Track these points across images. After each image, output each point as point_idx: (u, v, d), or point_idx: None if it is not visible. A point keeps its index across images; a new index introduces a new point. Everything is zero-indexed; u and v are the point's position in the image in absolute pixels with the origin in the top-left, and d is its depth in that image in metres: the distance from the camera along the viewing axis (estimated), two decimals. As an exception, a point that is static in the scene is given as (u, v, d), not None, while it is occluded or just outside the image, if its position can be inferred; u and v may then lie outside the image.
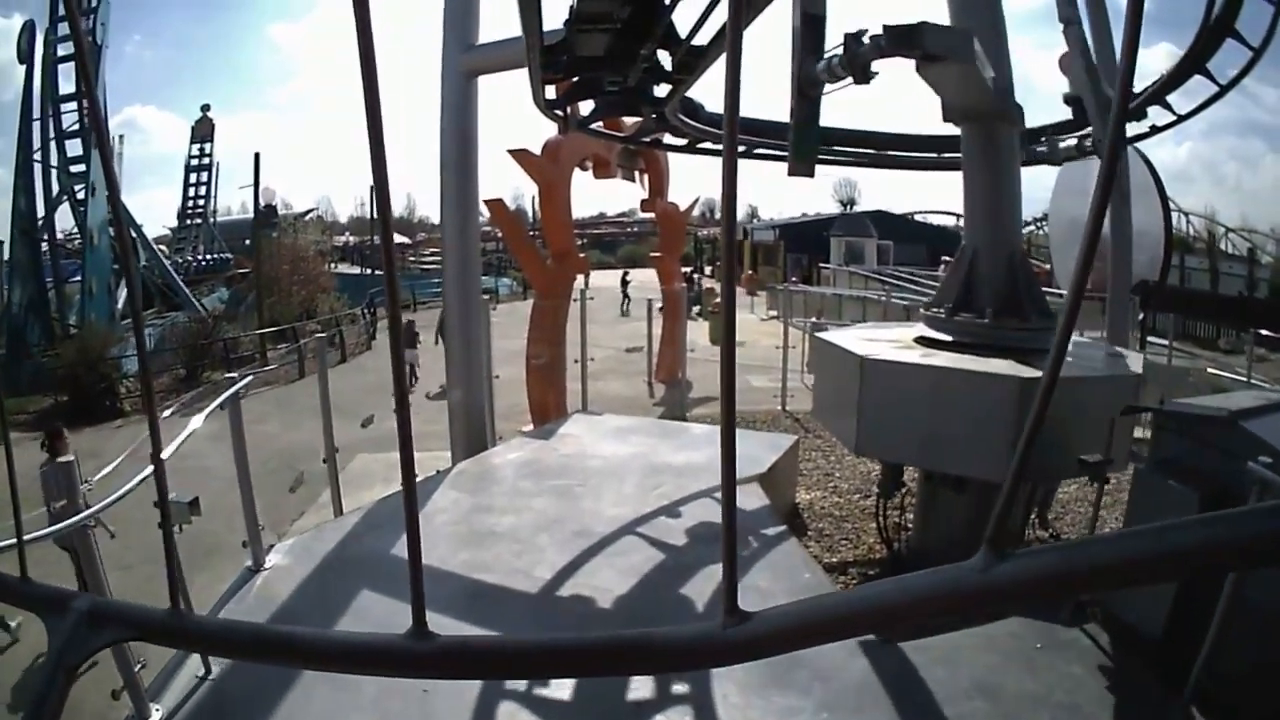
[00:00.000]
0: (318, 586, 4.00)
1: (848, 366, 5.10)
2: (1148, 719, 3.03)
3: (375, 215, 0.88)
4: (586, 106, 6.18)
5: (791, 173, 4.36)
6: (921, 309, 5.67)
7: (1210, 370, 9.13)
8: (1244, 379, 9.05)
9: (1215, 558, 0.55)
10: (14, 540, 0.93)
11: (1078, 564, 0.55)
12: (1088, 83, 6.16)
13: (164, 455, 0.89)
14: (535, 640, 0.68)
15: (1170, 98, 7.04)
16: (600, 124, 8.13)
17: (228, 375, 14.02)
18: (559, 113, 5.68)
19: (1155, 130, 7.25)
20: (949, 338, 5.07)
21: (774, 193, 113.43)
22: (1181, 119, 7.10)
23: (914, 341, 5.40)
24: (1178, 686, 2.82)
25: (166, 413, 5.92)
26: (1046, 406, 0.58)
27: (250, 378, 4.35)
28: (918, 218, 41.96)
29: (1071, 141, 7.30)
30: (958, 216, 41.70)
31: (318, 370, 5.67)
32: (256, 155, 23.13)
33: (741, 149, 6.64)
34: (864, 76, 3.98)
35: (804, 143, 4.37)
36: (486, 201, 9.43)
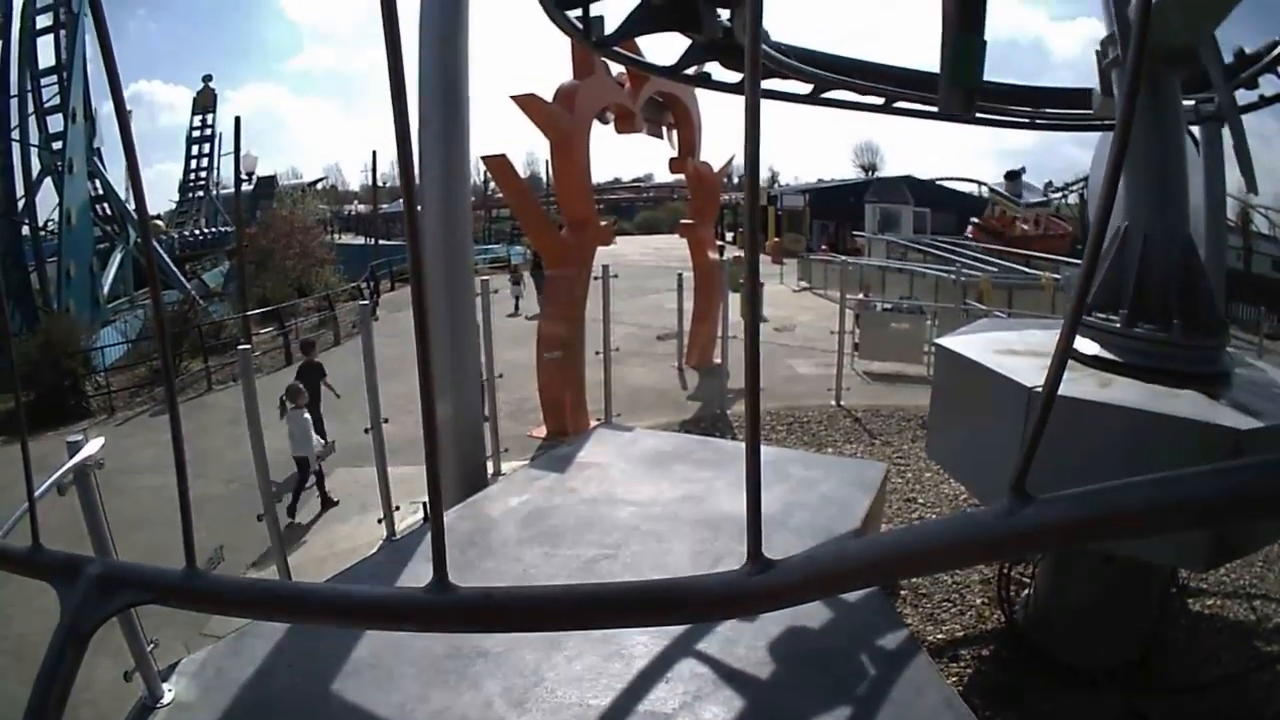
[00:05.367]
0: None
1: (1003, 398, 3.52)
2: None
3: (400, 180, 0.59)
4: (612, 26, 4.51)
5: (943, 110, 3.67)
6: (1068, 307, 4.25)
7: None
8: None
9: (1252, 505, 0.50)
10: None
11: (1107, 509, 0.51)
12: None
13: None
14: (559, 589, 0.65)
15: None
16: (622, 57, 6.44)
17: (204, 369, 12.82)
18: (573, 20, 3.98)
19: (1266, 101, 6.08)
20: (1112, 356, 3.73)
21: (792, 156, 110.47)
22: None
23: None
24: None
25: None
26: (1048, 411, 0.55)
27: (102, 441, 2.82)
28: (937, 184, 39.87)
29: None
30: (979, 184, 39.42)
31: (245, 405, 4.15)
32: (237, 120, 21.54)
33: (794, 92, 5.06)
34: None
35: (961, 64, 3.50)
36: (485, 158, 7.78)
